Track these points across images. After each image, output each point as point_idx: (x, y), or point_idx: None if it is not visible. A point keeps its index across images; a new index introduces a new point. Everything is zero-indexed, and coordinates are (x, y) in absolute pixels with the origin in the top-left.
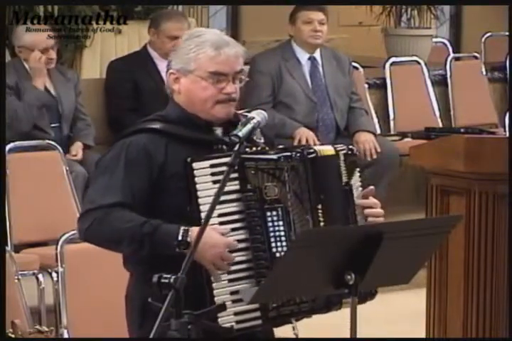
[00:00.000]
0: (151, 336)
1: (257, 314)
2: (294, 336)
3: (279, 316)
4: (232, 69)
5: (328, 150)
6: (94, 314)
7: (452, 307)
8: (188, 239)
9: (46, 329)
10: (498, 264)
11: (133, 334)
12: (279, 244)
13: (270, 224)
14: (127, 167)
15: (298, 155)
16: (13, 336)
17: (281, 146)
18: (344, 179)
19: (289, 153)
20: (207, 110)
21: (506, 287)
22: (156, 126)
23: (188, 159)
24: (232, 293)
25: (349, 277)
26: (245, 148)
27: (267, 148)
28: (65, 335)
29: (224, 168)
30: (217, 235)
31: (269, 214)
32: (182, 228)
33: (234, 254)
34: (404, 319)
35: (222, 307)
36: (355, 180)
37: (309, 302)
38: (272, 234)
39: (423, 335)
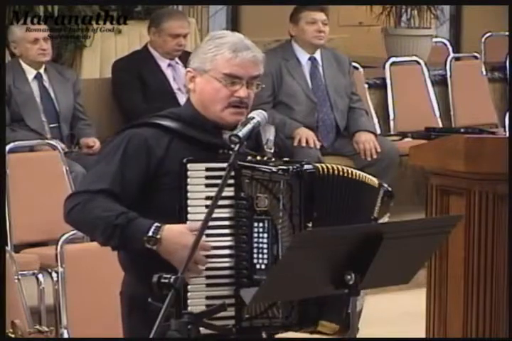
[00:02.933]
0: (151, 336)
1: (231, 322)
2: None
3: (251, 327)
4: (248, 74)
5: (372, 180)
6: (94, 314)
7: (452, 307)
8: (158, 236)
9: (46, 329)
10: (498, 264)
11: (123, 324)
12: (260, 255)
13: (256, 235)
14: (124, 158)
15: (295, 170)
16: (13, 336)
17: (286, 159)
18: (375, 214)
19: (285, 167)
20: (217, 112)
21: (506, 287)
22: (164, 122)
23: (185, 159)
24: (208, 297)
25: (349, 277)
26: (247, 155)
27: (272, 159)
28: (65, 335)
29: (219, 173)
30: (191, 236)
31: (256, 224)
32: (155, 224)
33: (216, 260)
34: (404, 319)
35: (222, 307)
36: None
37: (281, 318)
38: (255, 245)
39: (423, 335)
